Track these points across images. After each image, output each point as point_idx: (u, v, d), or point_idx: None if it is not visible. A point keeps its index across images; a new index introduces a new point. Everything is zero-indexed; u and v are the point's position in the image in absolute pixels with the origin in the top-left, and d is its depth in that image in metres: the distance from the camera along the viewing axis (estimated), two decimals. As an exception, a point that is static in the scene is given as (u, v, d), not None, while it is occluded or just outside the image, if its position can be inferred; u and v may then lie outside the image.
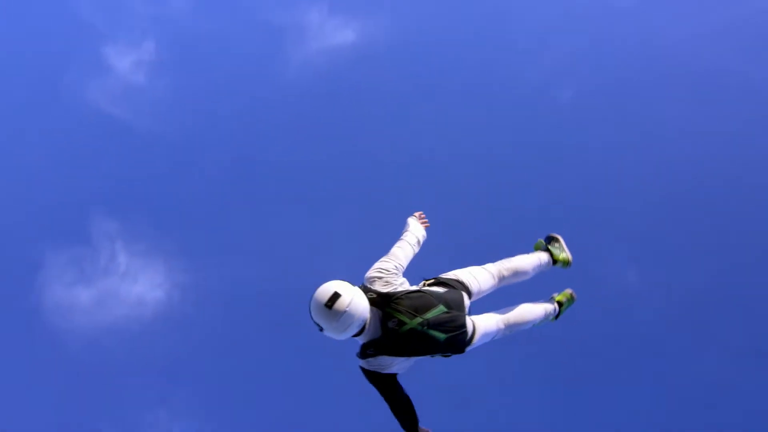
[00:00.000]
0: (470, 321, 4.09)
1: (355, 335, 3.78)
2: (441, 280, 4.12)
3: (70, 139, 14.35)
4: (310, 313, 3.65)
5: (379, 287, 3.81)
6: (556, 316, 4.65)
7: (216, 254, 14.27)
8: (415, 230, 4.28)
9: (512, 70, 14.91)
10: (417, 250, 4.16)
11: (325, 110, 15.20)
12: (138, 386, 12.94)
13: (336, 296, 3.61)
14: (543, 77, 14.84)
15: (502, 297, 4.62)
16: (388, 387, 3.81)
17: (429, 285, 4.11)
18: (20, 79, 14.61)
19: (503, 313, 4.36)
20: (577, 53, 14.90)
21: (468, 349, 4.05)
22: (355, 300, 3.65)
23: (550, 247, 4.75)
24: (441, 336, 3.78)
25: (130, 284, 13.72)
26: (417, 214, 4.47)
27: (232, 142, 15.06)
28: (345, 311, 3.59)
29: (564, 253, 4.71)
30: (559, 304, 4.66)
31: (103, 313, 13.48)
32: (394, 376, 3.85)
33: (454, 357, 4.04)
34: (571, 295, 4.72)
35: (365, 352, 3.77)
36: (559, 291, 4.77)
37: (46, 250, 13.57)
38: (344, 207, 14.40)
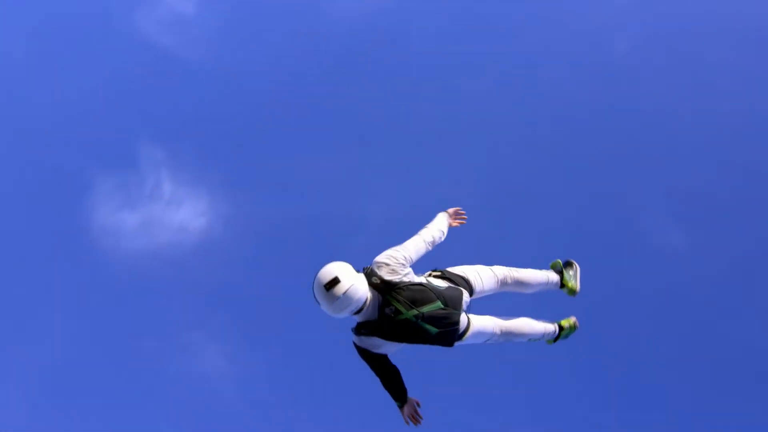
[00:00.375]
0: (465, 318, 4.20)
1: (354, 314, 3.98)
2: (447, 274, 4.23)
3: (121, 67, 14.64)
4: (312, 290, 3.85)
5: (384, 274, 3.95)
6: (554, 339, 4.70)
7: (259, 189, 14.56)
8: (435, 228, 4.33)
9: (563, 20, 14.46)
10: (430, 248, 4.25)
11: (376, 47, 15.07)
12: (176, 309, 13.55)
13: (335, 281, 3.78)
14: (597, 28, 14.38)
15: (512, 306, 4.71)
16: (378, 364, 4.04)
17: (435, 276, 4.22)
18: (71, 6, 14.88)
19: (504, 319, 4.45)
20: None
21: (458, 344, 4.18)
22: (354, 286, 3.81)
23: (564, 271, 4.80)
24: (433, 330, 3.93)
25: (173, 211, 14.18)
26: (452, 210, 4.52)
27: (282, 75, 15.13)
28: (342, 295, 3.77)
29: (573, 281, 4.76)
30: (560, 328, 4.71)
31: (147, 238, 14.03)
32: (384, 356, 4.06)
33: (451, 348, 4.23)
34: (574, 323, 4.77)
35: (359, 330, 3.96)
36: (566, 316, 4.82)
37: (95, 174, 14.11)
38: (391, 151, 14.43)
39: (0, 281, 13.59)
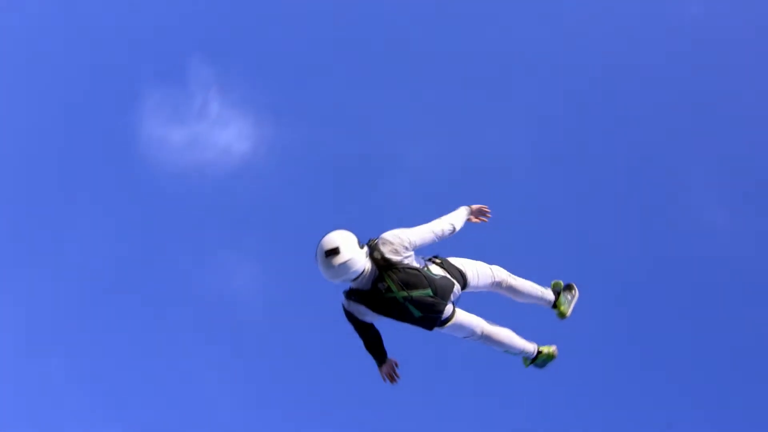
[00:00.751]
0: (451, 308, 4.34)
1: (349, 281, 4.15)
2: (446, 264, 4.34)
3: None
4: (315, 252, 4.04)
5: (387, 251, 4.07)
6: (531, 361, 4.81)
7: (305, 118, 14.56)
8: (447, 222, 4.37)
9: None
10: (437, 240, 4.31)
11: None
12: (212, 226, 13.82)
13: (336, 251, 3.92)
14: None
15: (508, 314, 4.78)
16: (362, 328, 4.26)
17: (435, 262, 4.34)
18: None
19: (489, 323, 4.55)
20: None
21: (437, 329, 4.34)
22: (352, 259, 3.94)
23: (562, 293, 4.84)
24: (417, 313, 4.11)
25: (219, 131, 14.31)
26: (476, 207, 4.55)
27: (339, 5, 14.94)
28: (339, 265, 3.92)
29: (566, 306, 4.80)
30: (539, 353, 4.78)
31: (191, 154, 14.23)
32: (370, 324, 4.27)
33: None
34: (553, 352, 4.81)
35: (350, 295, 4.16)
36: (549, 344, 4.86)
37: (146, 86, 14.25)
38: (447, 98, 14.24)
39: (47, 182, 13.98)
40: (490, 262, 4.67)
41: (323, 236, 4.01)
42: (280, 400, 12.64)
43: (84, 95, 14.35)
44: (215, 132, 14.27)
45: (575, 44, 13.95)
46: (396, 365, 4.35)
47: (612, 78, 13.71)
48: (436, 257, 4.40)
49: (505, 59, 14.17)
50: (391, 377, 4.35)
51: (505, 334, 4.58)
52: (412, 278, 4.05)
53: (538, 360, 4.81)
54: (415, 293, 4.06)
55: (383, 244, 4.09)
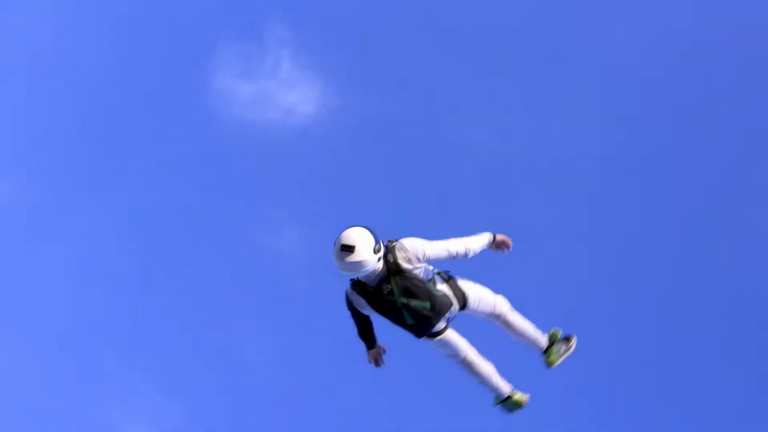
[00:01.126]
0: (443, 325, 4.47)
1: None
2: (452, 283, 4.46)
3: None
4: (334, 241, 4.18)
5: (400, 258, 4.20)
6: (501, 401, 4.85)
7: (374, 88, 14.60)
8: (463, 245, 4.43)
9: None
10: (450, 260, 4.41)
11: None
12: (266, 187, 14.09)
13: (351, 248, 4.05)
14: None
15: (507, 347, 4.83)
16: (359, 317, 4.52)
17: (443, 277, 4.45)
18: None
19: (474, 352, 4.65)
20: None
21: (425, 339, 4.48)
22: (364, 261, 4.07)
23: (557, 343, 4.82)
24: (410, 320, 4.30)
25: (286, 91, 14.51)
26: (501, 237, 4.59)
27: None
28: (350, 262, 4.07)
29: (556, 356, 4.78)
30: (509, 397, 4.83)
31: (256, 110, 14.46)
32: (367, 316, 4.51)
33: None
34: (522, 402, 4.84)
35: (355, 286, 4.34)
36: (525, 392, 4.88)
37: (223, 39, 14.56)
38: (522, 84, 14.03)
39: (117, 119, 14.48)
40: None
41: (345, 228, 4.16)
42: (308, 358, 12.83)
43: (165, 43, 14.77)
44: (282, 92, 14.49)
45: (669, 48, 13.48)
46: (383, 352, 4.63)
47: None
48: (446, 273, 4.52)
49: (599, 60, 13.83)
50: (377, 362, 4.66)
51: (486, 368, 4.70)
52: (415, 288, 4.22)
53: (507, 403, 4.87)
54: (414, 303, 4.24)
55: (399, 249, 4.23)
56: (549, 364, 4.81)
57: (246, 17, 14.70)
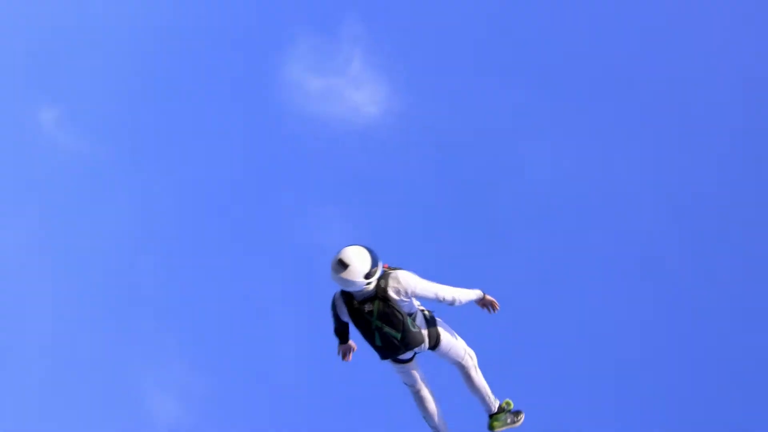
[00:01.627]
0: (411, 356, 4.73)
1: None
2: (431, 323, 4.72)
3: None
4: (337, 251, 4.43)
5: (390, 287, 4.42)
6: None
7: (440, 98, 14.56)
8: (451, 294, 4.61)
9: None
10: (435, 303, 4.64)
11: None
12: (322, 182, 14.30)
13: (345, 266, 4.25)
14: None
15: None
16: (337, 320, 4.73)
17: (425, 315, 4.71)
18: None
19: (428, 389, 4.96)
20: None
21: (387, 362, 4.74)
22: (355, 280, 4.28)
23: (505, 413, 5.11)
24: (378, 342, 4.54)
25: (353, 89, 14.62)
26: (489, 298, 4.79)
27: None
28: (341, 277, 4.29)
29: (500, 423, 5.08)
30: None
31: (321, 105, 14.64)
32: (346, 323, 4.74)
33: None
34: None
35: (342, 294, 4.56)
36: None
37: (298, 30, 14.75)
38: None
39: (186, 99, 14.90)
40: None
41: (349, 245, 4.35)
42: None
43: (244, 29, 15.11)
44: (350, 90, 14.61)
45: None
46: (354, 349, 4.92)
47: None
48: (430, 312, 4.77)
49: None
50: (345, 356, 4.95)
51: (433, 408, 4.99)
52: (393, 317, 4.43)
53: None
54: (387, 329, 4.47)
55: (393, 279, 4.43)
56: (491, 428, 5.13)
57: (324, 10, 14.88)
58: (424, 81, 14.58)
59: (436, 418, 5.04)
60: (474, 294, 4.73)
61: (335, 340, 4.90)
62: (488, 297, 4.79)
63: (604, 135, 13.74)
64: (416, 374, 4.87)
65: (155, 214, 14.38)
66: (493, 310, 4.82)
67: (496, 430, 5.10)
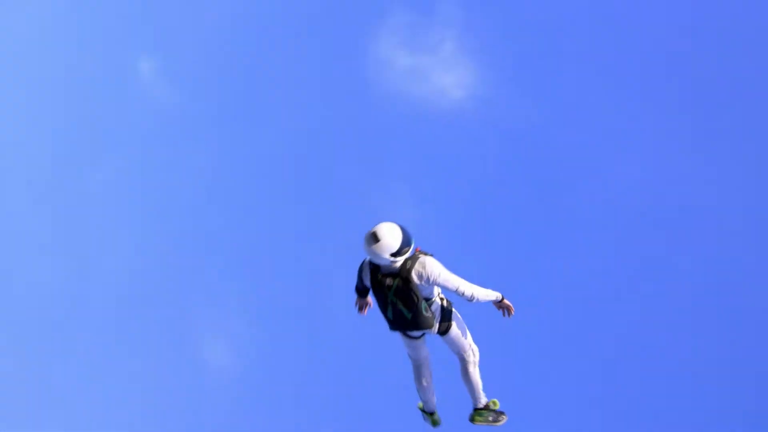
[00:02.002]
0: (419, 335, 4.97)
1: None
2: (447, 312, 4.93)
3: None
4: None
5: (414, 270, 4.60)
6: (422, 410, 5.45)
7: (527, 92, 14.32)
8: (470, 290, 4.75)
9: None
10: (454, 295, 4.81)
11: None
12: (387, 157, 14.39)
13: (378, 240, 4.46)
14: None
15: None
16: (361, 283, 4.94)
17: (442, 304, 4.90)
18: None
19: (429, 362, 5.19)
20: None
21: (397, 333, 4.97)
22: (384, 255, 4.48)
23: (488, 411, 5.32)
24: (390, 315, 4.78)
25: (442, 71, 14.54)
26: (506, 302, 4.93)
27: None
28: (371, 249, 4.50)
29: (481, 418, 5.30)
30: (432, 413, 5.44)
31: (409, 83, 14.69)
32: (368, 288, 4.97)
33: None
34: (438, 424, 5.45)
35: (370, 263, 4.76)
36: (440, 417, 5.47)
37: (393, 7, 14.80)
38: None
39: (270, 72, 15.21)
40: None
41: (387, 221, 4.55)
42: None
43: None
44: (438, 71, 14.55)
45: None
46: (369, 305, 5.05)
47: None
48: (449, 302, 4.97)
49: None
50: (362, 309, 5.09)
51: (428, 381, 5.26)
52: (408, 297, 4.63)
53: (427, 415, 5.49)
54: (400, 306, 4.68)
55: (420, 263, 4.61)
56: (472, 420, 5.37)
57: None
58: (514, 72, 14.37)
59: (428, 391, 5.32)
60: (493, 295, 4.89)
61: (360, 298, 5.04)
62: (506, 301, 4.93)
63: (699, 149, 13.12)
64: (421, 351, 5.10)
65: (237, 173, 14.89)
66: (509, 314, 4.97)
67: (476, 423, 5.35)
